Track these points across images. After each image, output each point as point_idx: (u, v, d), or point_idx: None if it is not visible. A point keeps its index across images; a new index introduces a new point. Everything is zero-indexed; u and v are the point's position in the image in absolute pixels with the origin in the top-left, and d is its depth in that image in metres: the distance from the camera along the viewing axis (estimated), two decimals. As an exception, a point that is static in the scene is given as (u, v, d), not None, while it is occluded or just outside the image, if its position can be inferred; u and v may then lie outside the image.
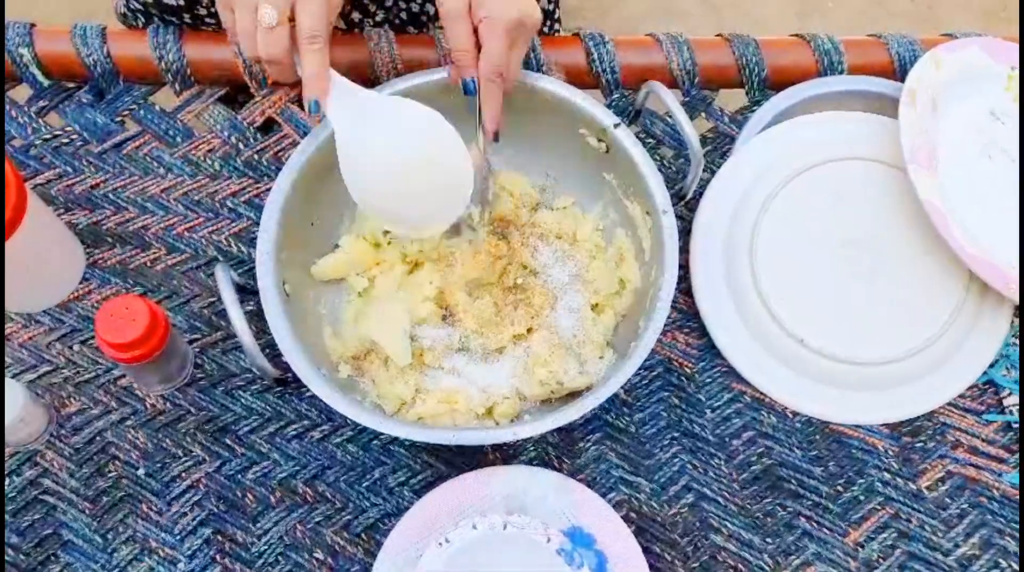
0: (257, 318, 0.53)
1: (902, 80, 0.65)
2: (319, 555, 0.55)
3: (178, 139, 0.67)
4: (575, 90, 0.59)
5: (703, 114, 0.69)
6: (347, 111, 0.49)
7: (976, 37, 0.67)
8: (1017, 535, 0.56)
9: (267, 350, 0.51)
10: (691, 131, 0.55)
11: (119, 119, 0.67)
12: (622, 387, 0.59)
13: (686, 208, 0.66)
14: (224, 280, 0.50)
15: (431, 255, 0.59)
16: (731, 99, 0.70)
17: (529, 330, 0.58)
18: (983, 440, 0.59)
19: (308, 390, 0.53)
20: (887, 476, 0.58)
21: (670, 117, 0.65)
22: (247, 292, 0.53)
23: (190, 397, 0.59)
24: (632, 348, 0.52)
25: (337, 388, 0.51)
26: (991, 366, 0.61)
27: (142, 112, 0.67)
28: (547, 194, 0.64)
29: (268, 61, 0.48)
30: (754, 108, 0.67)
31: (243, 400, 0.59)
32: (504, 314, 0.57)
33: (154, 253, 0.63)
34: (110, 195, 0.64)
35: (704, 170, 0.67)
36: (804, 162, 0.63)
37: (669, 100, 0.55)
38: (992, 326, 0.62)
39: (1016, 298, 0.59)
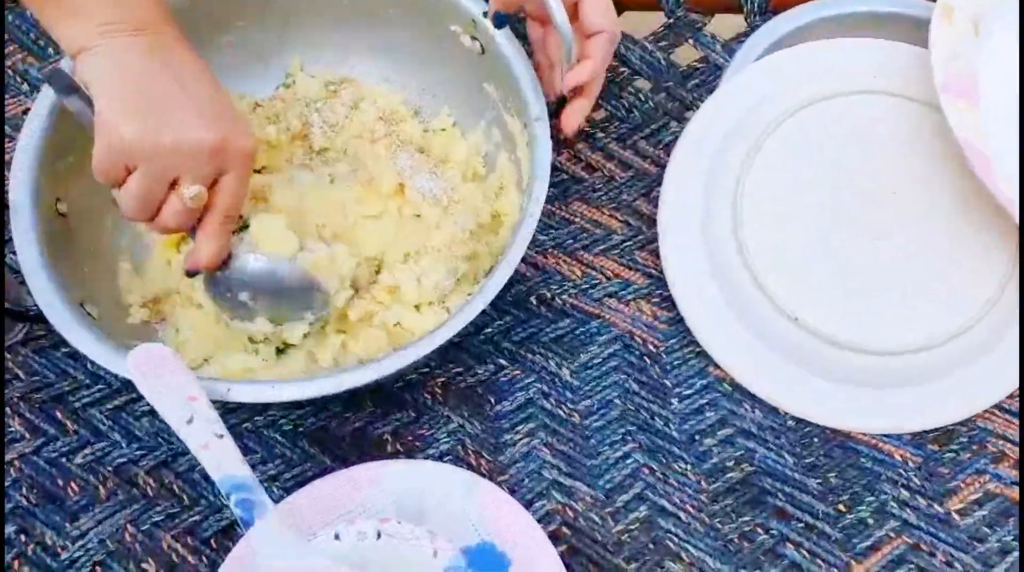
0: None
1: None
2: (148, 567, 0.43)
3: None
4: None
5: (691, 41, 0.60)
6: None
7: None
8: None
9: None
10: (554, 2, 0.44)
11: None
12: (569, 368, 0.49)
13: (664, 152, 0.55)
14: None
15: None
16: (727, 27, 0.61)
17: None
18: (1035, 452, 0.47)
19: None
20: (906, 495, 0.47)
21: (648, 43, 0.58)
22: None
23: (21, 358, 0.49)
24: (485, 281, 0.42)
25: (98, 326, 0.42)
26: (1046, 358, 0.49)
27: None
28: (423, 114, 0.55)
29: (164, 230, 0.43)
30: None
31: (91, 365, 0.48)
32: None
33: None
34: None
35: (687, 108, 0.58)
36: (805, 96, 0.53)
37: None
38: (1048, 307, 0.50)
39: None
